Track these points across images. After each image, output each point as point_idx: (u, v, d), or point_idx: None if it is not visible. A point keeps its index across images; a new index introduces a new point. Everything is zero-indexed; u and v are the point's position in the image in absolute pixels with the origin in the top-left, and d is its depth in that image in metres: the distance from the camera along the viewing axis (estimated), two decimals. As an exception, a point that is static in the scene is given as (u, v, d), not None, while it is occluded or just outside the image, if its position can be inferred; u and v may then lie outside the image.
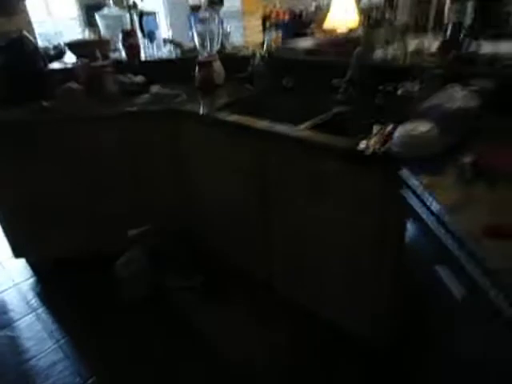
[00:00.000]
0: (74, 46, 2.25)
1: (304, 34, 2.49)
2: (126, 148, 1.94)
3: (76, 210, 2.04)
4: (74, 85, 1.94)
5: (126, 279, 1.93)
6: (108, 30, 2.57)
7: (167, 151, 1.98)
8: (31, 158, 1.91)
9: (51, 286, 2.15)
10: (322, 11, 2.43)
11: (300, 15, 2.63)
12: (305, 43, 2.17)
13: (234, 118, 1.67)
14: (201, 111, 1.80)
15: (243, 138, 1.63)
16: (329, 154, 1.35)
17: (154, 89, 2.00)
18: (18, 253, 2.20)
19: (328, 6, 2.22)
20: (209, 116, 1.75)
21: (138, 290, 1.97)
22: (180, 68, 2.23)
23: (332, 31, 2.24)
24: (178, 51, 2.40)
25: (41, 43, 2.40)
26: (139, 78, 2.13)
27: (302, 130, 1.51)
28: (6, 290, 2.15)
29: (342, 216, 1.39)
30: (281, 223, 1.68)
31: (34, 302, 2.04)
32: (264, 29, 2.54)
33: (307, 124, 1.56)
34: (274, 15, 2.58)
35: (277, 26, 2.46)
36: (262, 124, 1.57)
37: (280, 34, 2.21)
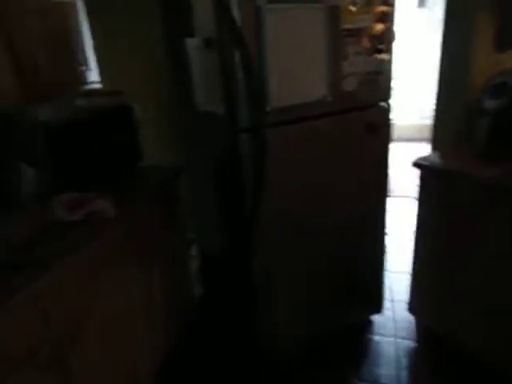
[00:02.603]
0: None
1: None
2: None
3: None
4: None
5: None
6: None
7: None
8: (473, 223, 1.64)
9: (418, 360, 1.93)
10: None
11: None
12: None
13: None
14: None
15: None
16: None
17: None
18: (411, 308, 2.09)
19: None
20: None
21: None
22: None
23: None
24: None
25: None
26: None
27: None
28: (389, 339, 2.06)
29: None
30: None
31: (403, 372, 1.85)
32: None
33: None
34: None
35: None
36: None
37: None
